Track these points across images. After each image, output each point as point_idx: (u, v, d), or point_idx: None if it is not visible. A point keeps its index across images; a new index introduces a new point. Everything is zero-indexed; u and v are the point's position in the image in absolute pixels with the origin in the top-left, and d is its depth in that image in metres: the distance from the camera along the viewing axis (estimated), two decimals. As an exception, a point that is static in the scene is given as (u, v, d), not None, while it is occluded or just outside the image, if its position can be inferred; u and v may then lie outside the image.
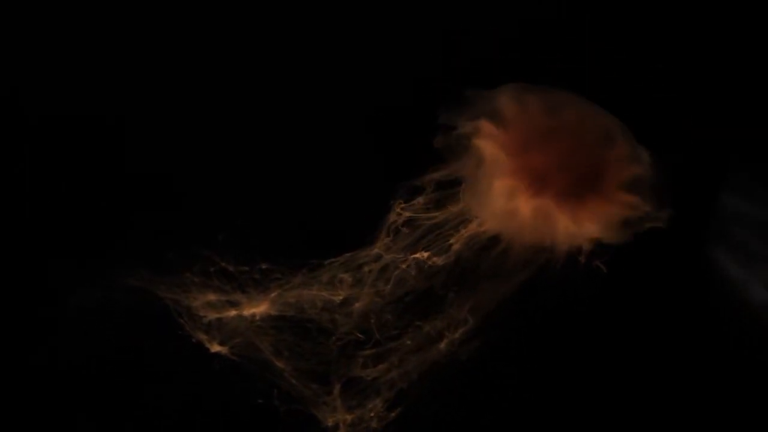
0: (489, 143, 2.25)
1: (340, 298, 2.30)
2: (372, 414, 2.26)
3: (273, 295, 2.33)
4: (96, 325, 2.39)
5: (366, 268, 2.30)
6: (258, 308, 2.33)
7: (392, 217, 2.31)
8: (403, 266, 2.28)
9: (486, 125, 2.25)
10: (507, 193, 2.20)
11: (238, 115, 2.61)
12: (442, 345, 2.26)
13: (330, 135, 2.57)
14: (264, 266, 2.35)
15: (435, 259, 2.27)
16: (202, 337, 2.33)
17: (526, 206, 2.20)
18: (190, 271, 2.36)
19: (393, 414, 2.28)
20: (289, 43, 2.65)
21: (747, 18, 2.68)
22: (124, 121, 2.61)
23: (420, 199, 2.29)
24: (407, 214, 2.30)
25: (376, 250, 2.30)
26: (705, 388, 2.45)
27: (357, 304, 2.29)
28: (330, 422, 2.26)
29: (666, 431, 2.42)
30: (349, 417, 2.26)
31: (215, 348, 2.33)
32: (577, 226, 2.18)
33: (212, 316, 2.36)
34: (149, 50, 2.63)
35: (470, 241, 2.25)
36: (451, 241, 2.26)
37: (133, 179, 2.58)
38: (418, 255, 2.28)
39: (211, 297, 2.37)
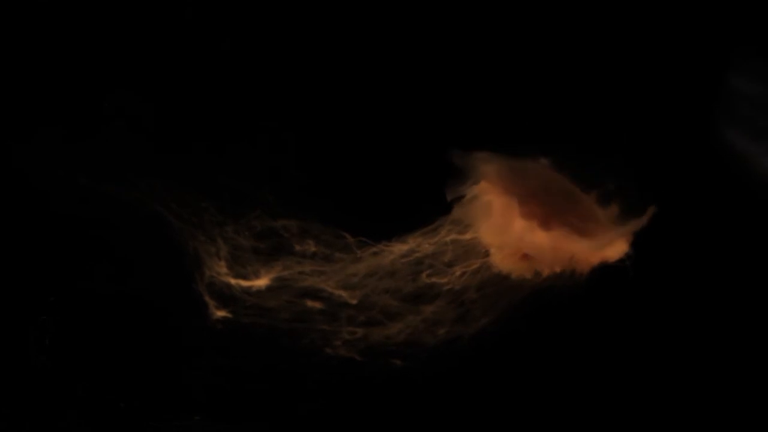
0: (495, 197, 2.50)
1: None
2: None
3: (279, 269, 2.64)
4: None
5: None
6: (263, 281, 2.64)
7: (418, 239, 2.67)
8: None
9: (487, 185, 2.50)
10: (526, 230, 2.52)
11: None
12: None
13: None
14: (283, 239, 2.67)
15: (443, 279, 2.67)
16: (206, 295, 2.62)
17: (543, 238, 2.53)
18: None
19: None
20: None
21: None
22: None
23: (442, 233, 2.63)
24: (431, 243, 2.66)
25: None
26: (717, 253, 2.87)
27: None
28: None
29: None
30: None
31: (218, 312, 2.63)
32: (587, 248, 2.53)
33: (225, 279, 2.64)
34: None
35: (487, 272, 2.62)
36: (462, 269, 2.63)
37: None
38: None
39: (229, 264, 2.64)
